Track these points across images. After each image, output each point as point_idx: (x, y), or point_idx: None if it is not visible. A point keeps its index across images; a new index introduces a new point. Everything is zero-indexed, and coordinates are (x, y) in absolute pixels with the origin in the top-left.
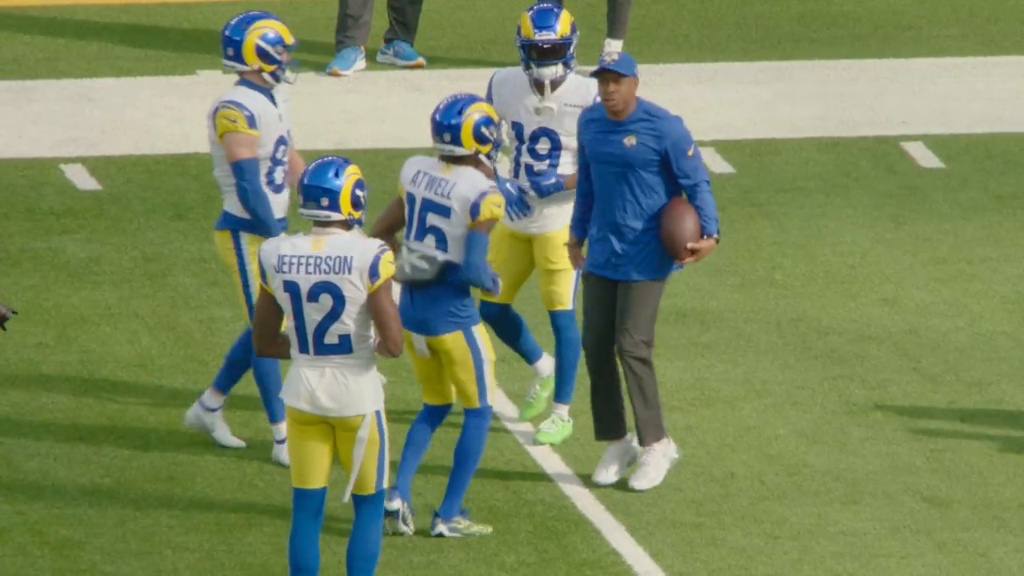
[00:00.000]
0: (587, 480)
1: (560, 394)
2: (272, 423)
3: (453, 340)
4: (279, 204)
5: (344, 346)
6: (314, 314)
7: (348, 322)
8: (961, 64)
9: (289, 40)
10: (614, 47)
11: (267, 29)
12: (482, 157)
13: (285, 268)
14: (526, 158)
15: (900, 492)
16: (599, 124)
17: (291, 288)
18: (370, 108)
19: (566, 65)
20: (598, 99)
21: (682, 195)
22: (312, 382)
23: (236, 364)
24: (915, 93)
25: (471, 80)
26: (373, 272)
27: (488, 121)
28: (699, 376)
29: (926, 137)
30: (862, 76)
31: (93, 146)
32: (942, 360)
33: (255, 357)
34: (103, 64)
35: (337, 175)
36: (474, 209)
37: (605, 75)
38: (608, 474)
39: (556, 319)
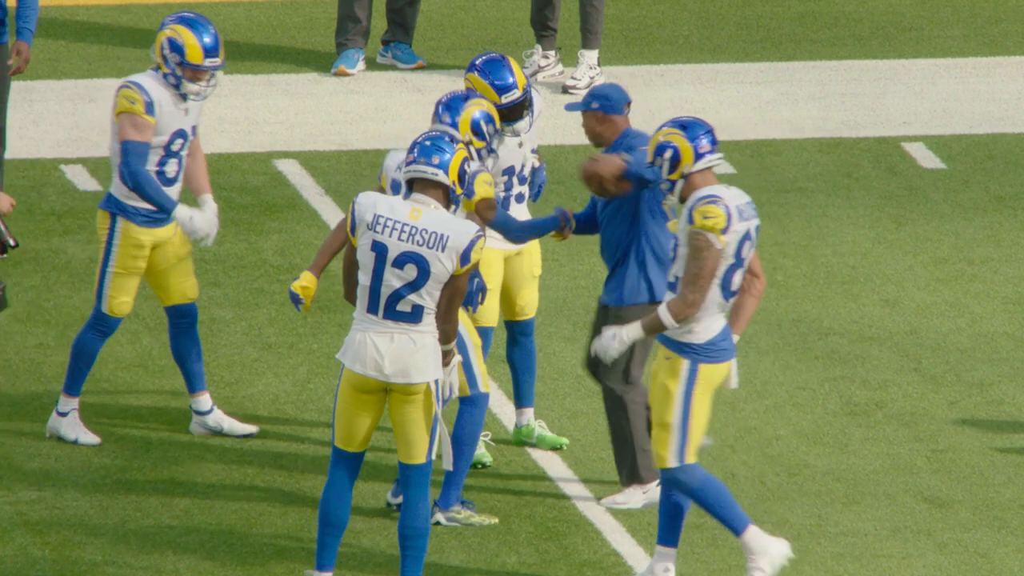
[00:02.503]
0: (587, 481)
1: (530, 399)
2: (69, 395)
3: None
4: (171, 195)
5: (415, 315)
6: (394, 280)
7: (425, 296)
8: (962, 65)
9: (194, 59)
10: (588, 58)
11: (176, 36)
12: (472, 150)
13: (379, 228)
14: (517, 189)
15: (901, 493)
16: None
17: (379, 248)
18: (371, 109)
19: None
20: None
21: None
22: (381, 347)
23: (187, 359)
24: (916, 94)
25: None
26: (465, 256)
27: (488, 118)
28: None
29: (927, 138)
30: (863, 77)
31: (94, 147)
32: (943, 361)
33: (82, 334)
34: (104, 65)
35: (453, 142)
36: (468, 190)
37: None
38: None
39: (529, 327)
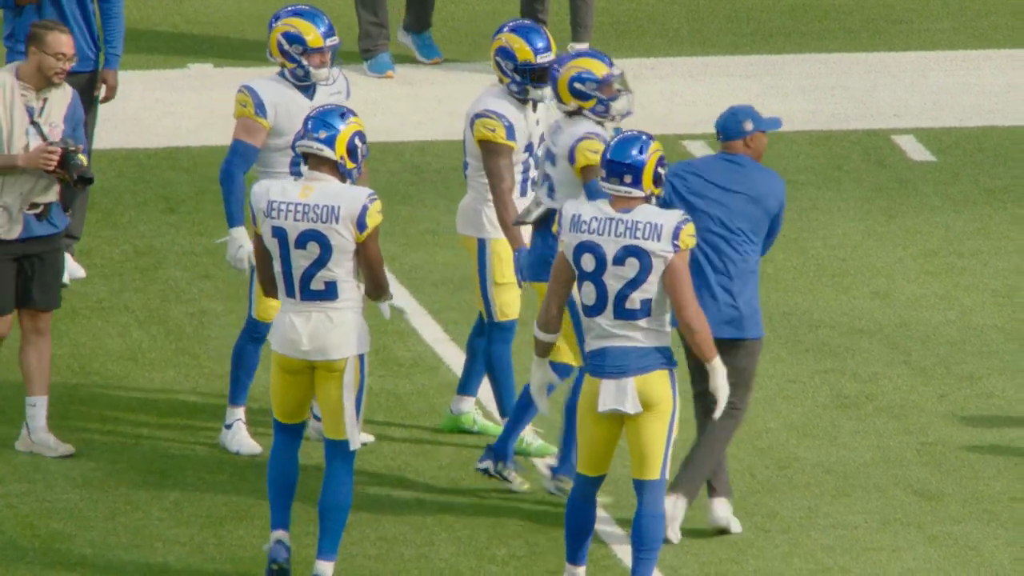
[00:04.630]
0: (545, 485)
1: (475, 389)
2: (233, 405)
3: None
4: None
5: (330, 292)
6: (301, 260)
7: (335, 269)
8: (952, 58)
9: (316, 43)
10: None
11: (291, 28)
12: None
13: (274, 213)
14: (532, 172)
15: (891, 485)
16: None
17: (279, 234)
18: (362, 102)
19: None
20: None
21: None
22: (298, 327)
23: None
24: (906, 87)
25: (464, 73)
26: (361, 223)
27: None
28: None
29: (917, 131)
30: (853, 70)
31: None
32: (933, 353)
33: (238, 343)
34: None
35: (343, 118)
36: (571, 154)
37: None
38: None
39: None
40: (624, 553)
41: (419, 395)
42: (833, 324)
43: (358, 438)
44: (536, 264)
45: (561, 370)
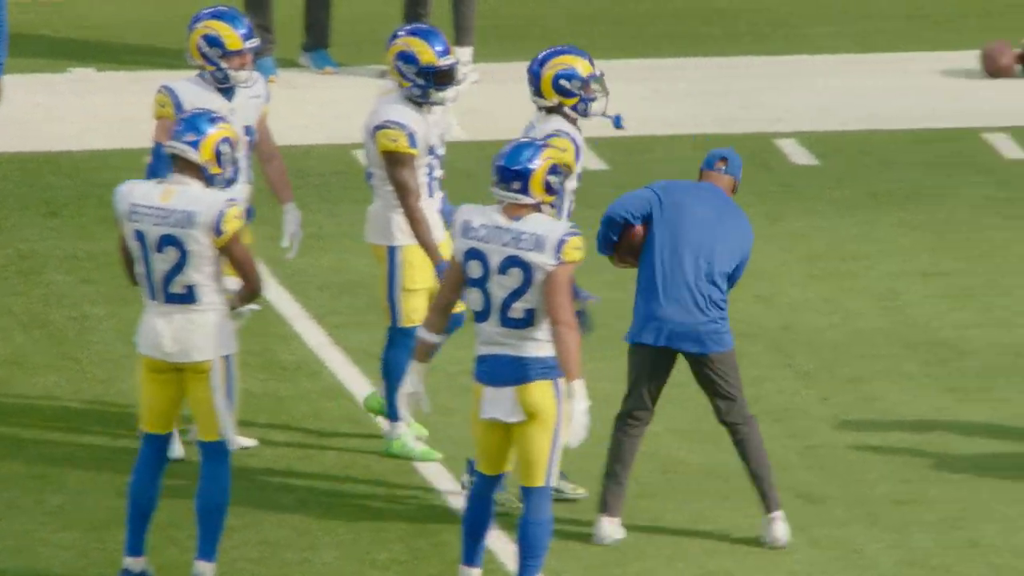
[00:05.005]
0: (460, 478)
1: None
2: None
3: None
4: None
5: (190, 296)
6: (161, 264)
7: (194, 274)
8: (835, 62)
9: (234, 45)
10: (463, 55)
11: (209, 29)
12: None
13: (135, 217)
14: (438, 172)
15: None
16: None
17: (139, 237)
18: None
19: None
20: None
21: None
22: (160, 330)
23: None
24: (789, 90)
25: (348, 78)
26: (217, 228)
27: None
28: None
29: (800, 134)
30: (736, 74)
31: None
32: (816, 357)
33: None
34: None
35: (213, 123)
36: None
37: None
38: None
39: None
40: (493, 543)
41: (302, 399)
42: None
43: (235, 439)
44: None
45: None
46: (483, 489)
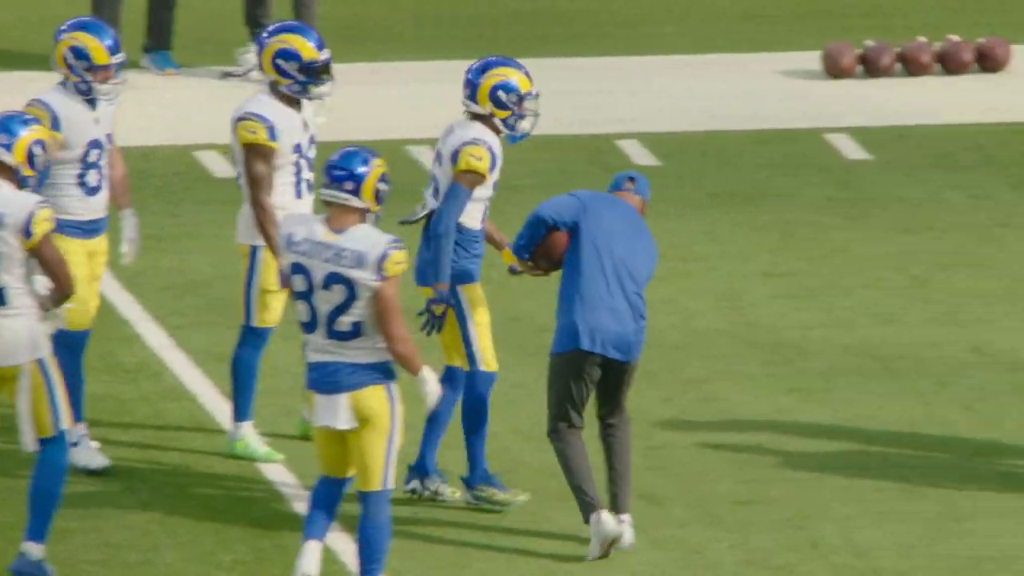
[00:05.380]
0: (303, 479)
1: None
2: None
3: None
4: (96, 205)
5: (0, 299)
6: None
7: (3, 276)
8: (676, 62)
9: (100, 59)
10: None
11: (76, 41)
12: (496, 121)
13: None
14: (306, 174)
15: None
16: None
17: None
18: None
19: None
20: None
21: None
22: None
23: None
24: (631, 91)
25: (188, 79)
26: (26, 231)
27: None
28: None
29: (642, 135)
30: (578, 74)
31: None
32: (658, 357)
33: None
34: None
35: (26, 124)
36: (454, 156)
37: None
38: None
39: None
40: (335, 543)
41: (144, 400)
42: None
43: (73, 428)
44: (423, 267)
45: (454, 375)
46: (328, 491)
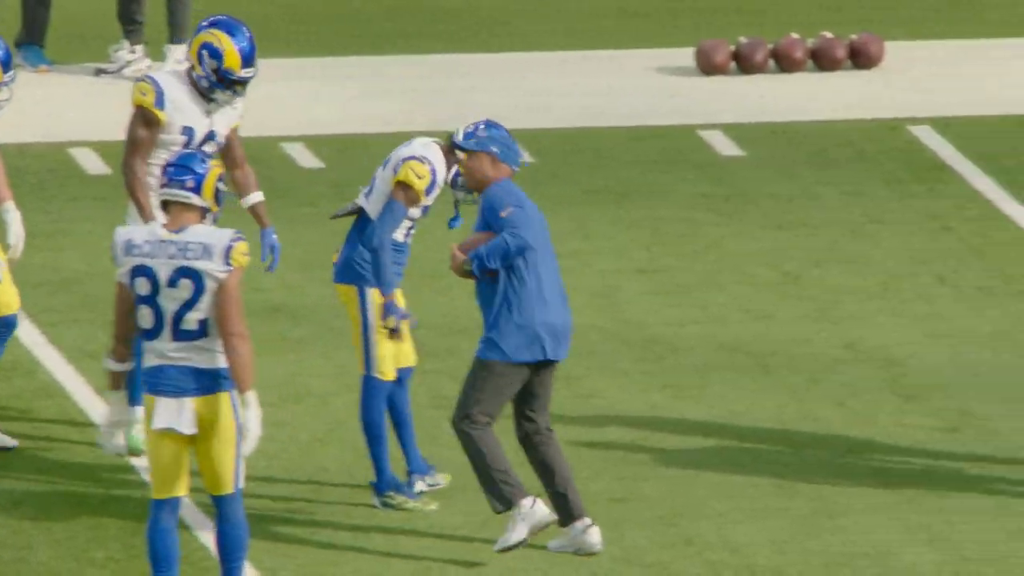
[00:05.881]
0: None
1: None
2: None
3: None
4: None
5: None
6: None
7: None
8: (551, 59)
9: None
10: (176, 52)
11: None
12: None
13: None
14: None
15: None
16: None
17: None
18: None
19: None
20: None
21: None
22: None
23: None
24: (505, 88)
25: (63, 76)
26: None
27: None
28: (290, 371)
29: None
30: (452, 71)
31: None
32: None
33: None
34: None
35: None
36: (397, 164)
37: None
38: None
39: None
40: (208, 540)
41: (16, 398)
42: (433, 325)
43: None
44: (344, 265)
45: (404, 373)
46: (162, 517)
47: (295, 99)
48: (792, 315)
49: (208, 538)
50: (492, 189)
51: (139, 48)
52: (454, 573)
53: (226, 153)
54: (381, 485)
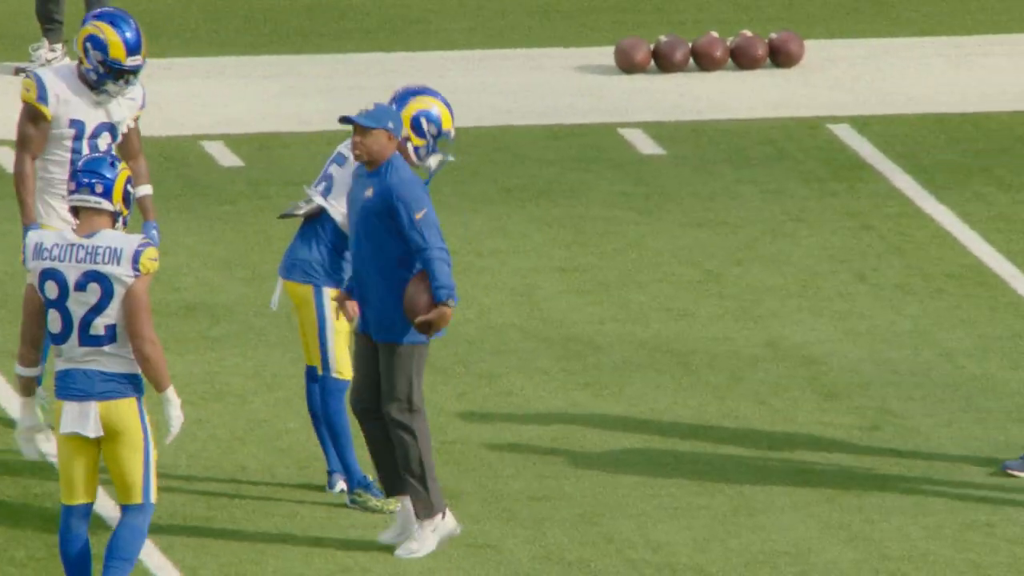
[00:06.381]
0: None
1: None
2: None
3: None
4: None
5: None
6: None
7: None
8: (469, 57)
9: None
10: None
11: None
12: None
13: None
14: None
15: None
16: (360, 170)
17: None
18: None
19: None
20: None
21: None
22: None
23: None
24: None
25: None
26: None
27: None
28: (209, 370)
29: None
30: (370, 70)
31: None
32: (452, 352)
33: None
34: None
35: None
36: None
37: (353, 126)
38: (388, 535)
39: None
40: (145, 553)
41: None
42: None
43: None
44: (292, 261)
45: (312, 374)
46: (72, 523)
47: (214, 98)
48: (713, 313)
49: (148, 553)
50: (409, 185)
51: (59, 47)
52: (375, 571)
53: (123, 144)
54: (350, 484)
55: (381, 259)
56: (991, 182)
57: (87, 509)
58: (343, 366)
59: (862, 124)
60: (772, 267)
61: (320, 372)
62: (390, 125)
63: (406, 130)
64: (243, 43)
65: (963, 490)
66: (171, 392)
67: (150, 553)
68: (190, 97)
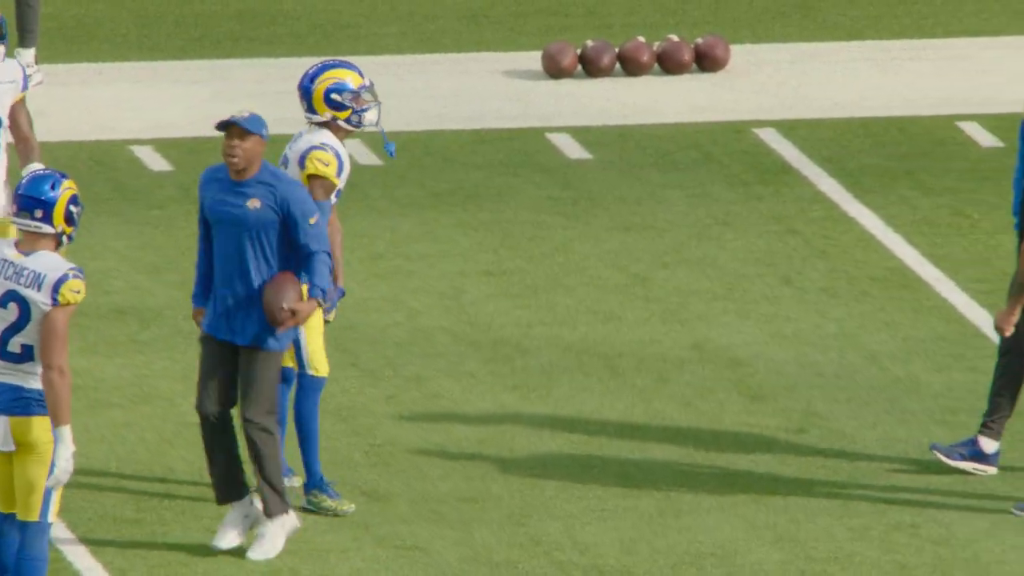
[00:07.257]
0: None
1: None
2: None
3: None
4: None
5: None
6: None
7: None
8: (400, 62)
9: None
10: (25, 56)
11: None
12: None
13: None
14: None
15: (339, 486)
16: (220, 184)
17: None
18: None
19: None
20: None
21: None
22: None
23: None
24: None
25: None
26: None
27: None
28: (138, 373)
29: (363, 134)
30: (300, 74)
31: None
32: (381, 355)
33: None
34: None
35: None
36: (301, 160)
37: (231, 129)
38: (228, 539)
39: None
40: (60, 540)
41: None
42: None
43: None
44: None
45: (287, 375)
46: (4, 529)
47: (144, 102)
48: (639, 316)
49: (77, 555)
50: (303, 190)
51: None
52: (304, 573)
53: (12, 127)
54: (309, 484)
55: (261, 266)
56: (915, 186)
57: (10, 518)
58: (318, 362)
59: (788, 128)
60: (698, 270)
61: (296, 371)
62: (264, 133)
63: (328, 111)
64: (173, 47)
65: (888, 492)
66: (67, 432)
67: (79, 555)
68: (120, 101)
